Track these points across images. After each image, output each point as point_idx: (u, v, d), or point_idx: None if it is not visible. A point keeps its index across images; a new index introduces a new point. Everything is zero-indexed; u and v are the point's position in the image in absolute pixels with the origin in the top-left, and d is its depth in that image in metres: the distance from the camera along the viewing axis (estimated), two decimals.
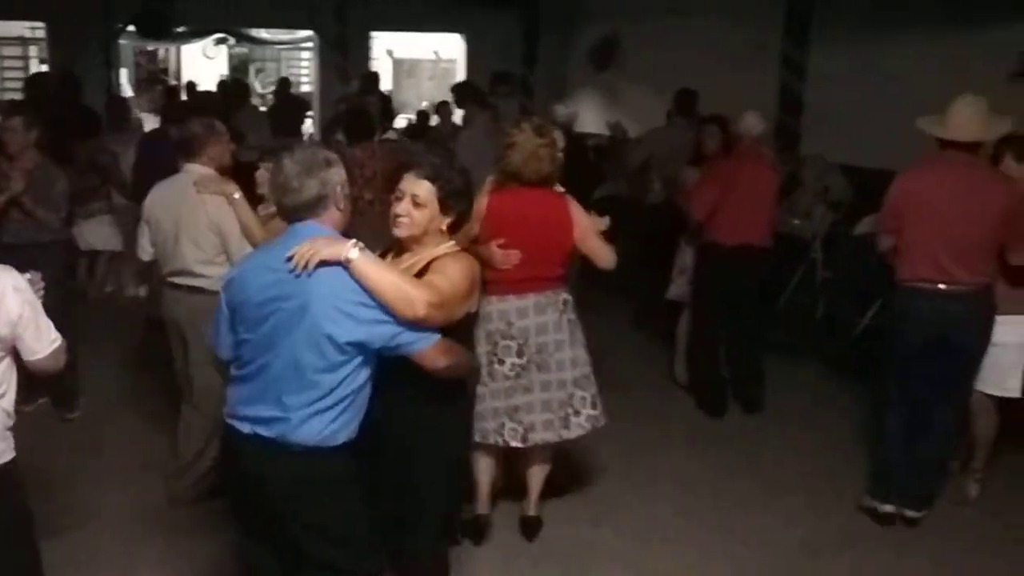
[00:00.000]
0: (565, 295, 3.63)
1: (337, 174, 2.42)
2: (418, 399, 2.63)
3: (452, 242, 2.70)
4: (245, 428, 2.42)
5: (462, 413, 2.95)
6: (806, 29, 8.71)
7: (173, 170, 4.13)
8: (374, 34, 12.71)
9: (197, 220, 3.81)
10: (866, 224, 6.57)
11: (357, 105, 8.14)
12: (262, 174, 3.93)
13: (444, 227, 2.66)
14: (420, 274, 2.56)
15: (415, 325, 2.35)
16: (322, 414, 2.36)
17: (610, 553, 3.82)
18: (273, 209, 3.82)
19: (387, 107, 8.35)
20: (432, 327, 2.41)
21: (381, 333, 2.34)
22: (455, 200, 2.65)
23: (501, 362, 3.54)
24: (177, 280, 3.93)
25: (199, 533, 3.82)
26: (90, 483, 4.28)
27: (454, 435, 2.86)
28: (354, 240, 2.34)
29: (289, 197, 2.38)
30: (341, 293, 2.30)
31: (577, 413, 3.60)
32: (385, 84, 14.04)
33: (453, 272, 2.55)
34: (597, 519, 4.06)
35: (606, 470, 4.50)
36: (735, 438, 5.05)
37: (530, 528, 3.87)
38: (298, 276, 2.29)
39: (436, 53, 14.85)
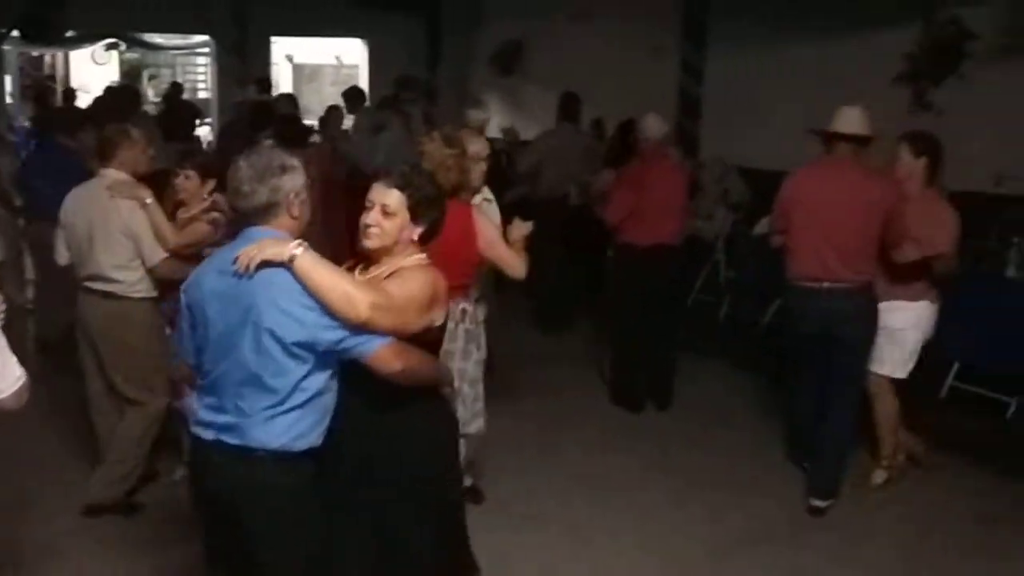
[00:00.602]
0: (465, 305, 3.63)
1: (291, 181, 2.37)
2: (379, 407, 2.49)
3: (423, 255, 2.58)
4: (209, 435, 2.40)
5: (435, 424, 2.67)
6: (703, 34, 8.98)
7: (64, 178, 4.17)
8: (274, 39, 12.47)
9: (110, 224, 3.80)
10: (764, 225, 6.79)
11: (259, 108, 7.98)
12: (182, 181, 3.95)
13: (415, 237, 2.56)
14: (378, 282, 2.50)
15: (360, 328, 2.28)
16: (280, 418, 2.33)
17: (530, 558, 3.84)
18: (192, 213, 3.92)
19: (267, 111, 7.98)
20: (379, 332, 2.32)
21: (327, 337, 2.28)
22: (426, 208, 2.54)
23: None
24: (92, 285, 3.90)
25: (139, 551, 3.71)
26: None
27: (425, 449, 2.60)
28: (298, 240, 2.30)
29: (240, 202, 2.37)
30: (284, 293, 2.27)
31: None
32: (286, 89, 13.79)
33: (411, 281, 2.45)
34: (516, 524, 4.08)
35: (524, 473, 4.53)
36: (652, 436, 5.15)
37: None
38: (242, 278, 2.28)
39: (338, 58, 14.68)
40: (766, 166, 7.57)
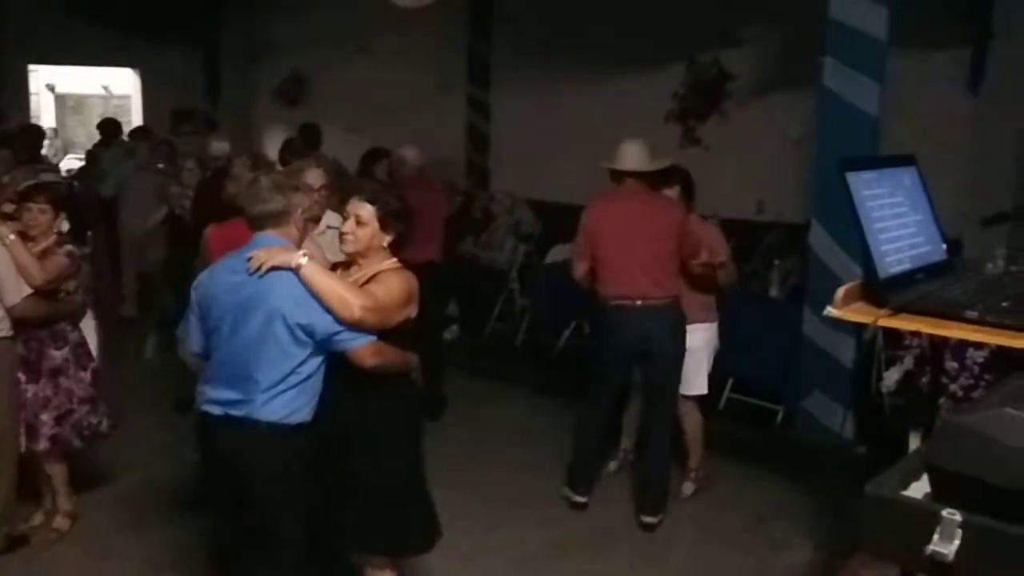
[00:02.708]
0: None
1: (301, 199, 2.84)
2: (364, 387, 2.88)
3: (395, 260, 2.99)
4: (217, 411, 2.78)
5: (405, 401, 3.09)
6: (487, 72, 9.24)
7: None
8: (32, 67, 11.50)
9: None
10: (555, 253, 7.09)
11: None
12: (36, 215, 3.84)
13: (386, 244, 2.97)
14: (364, 285, 2.88)
15: (352, 326, 2.70)
16: (280, 397, 2.72)
17: None
18: (43, 247, 3.82)
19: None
20: (367, 329, 2.74)
21: (326, 328, 2.69)
22: (394, 220, 2.98)
23: None
24: None
25: None
26: None
27: (400, 427, 3.05)
28: (304, 251, 2.73)
29: (257, 207, 2.78)
30: (296, 288, 2.68)
31: None
32: (47, 121, 12.81)
33: (391, 284, 2.87)
34: None
35: None
36: (457, 457, 5.09)
37: None
38: (254, 276, 2.68)
39: (107, 88, 13.79)
40: (553, 199, 7.89)
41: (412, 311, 2.97)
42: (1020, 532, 1.12)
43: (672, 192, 4.52)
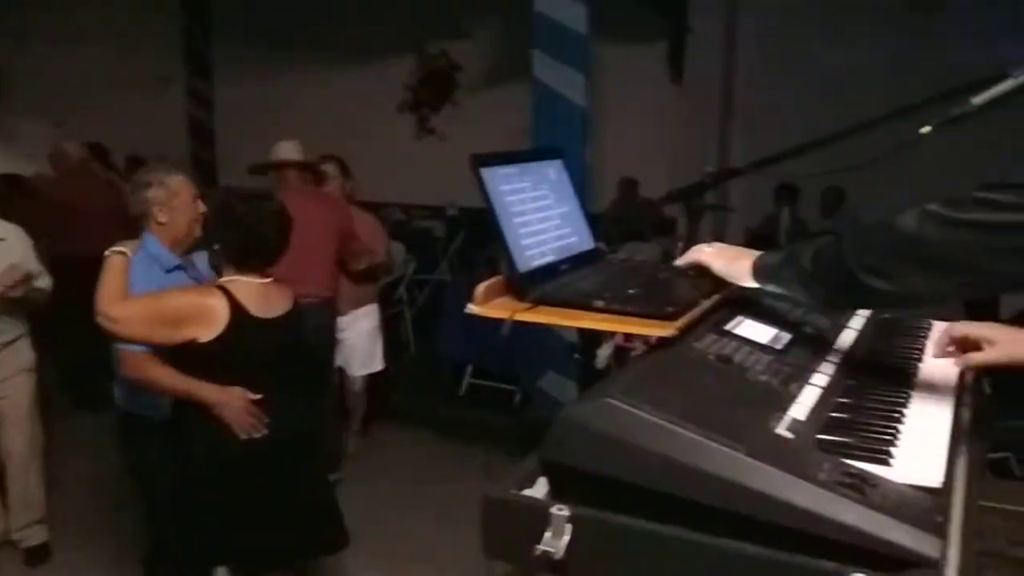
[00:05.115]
0: None
1: (153, 193, 2.81)
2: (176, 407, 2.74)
3: (238, 277, 2.59)
4: None
5: (194, 437, 2.67)
6: (207, 63, 8.76)
7: None
8: None
9: None
10: None
11: None
12: None
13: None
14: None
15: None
16: (121, 384, 2.85)
17: None
18: None
19: None
20: (121, 338, 2.59)
21: None
22: (215, 224, 2.66)
23: None
24: None
25: None
26: None
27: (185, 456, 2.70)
28: (122, 248, 2.63)
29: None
30: None
31: None
32: None
33: (165, 297, 2.62)
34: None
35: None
36: None
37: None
38: None
39: None
40: None
41: (200, 335, 2.55)
42: (624, 521, 1.14)
43: (331, 168, 4.57)
